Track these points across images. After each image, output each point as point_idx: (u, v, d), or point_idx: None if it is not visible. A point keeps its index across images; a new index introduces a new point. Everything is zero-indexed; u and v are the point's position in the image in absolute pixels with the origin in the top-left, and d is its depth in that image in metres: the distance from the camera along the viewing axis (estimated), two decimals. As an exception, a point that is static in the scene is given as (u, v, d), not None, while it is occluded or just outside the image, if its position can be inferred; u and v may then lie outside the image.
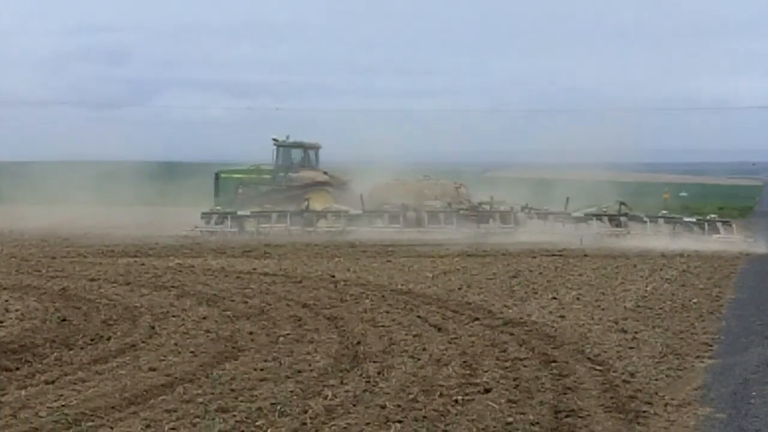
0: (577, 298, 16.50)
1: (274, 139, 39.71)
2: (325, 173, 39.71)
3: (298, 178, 39.07)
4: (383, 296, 16.52)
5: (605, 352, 11.66)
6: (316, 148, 40.78)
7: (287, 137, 40.02)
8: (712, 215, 34.54)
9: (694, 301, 16.34)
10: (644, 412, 8.87)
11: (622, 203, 34.34)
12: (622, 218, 32.90)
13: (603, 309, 15.29)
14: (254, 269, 21.02)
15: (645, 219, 33.00)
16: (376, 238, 30.72)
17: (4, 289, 17.01)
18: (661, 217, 33.59)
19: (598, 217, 33.37)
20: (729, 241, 30.03)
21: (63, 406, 8.81)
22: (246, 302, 15.66)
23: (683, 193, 64.87)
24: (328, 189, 38.69)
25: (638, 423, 8.52)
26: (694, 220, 33.18)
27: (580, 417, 8.60)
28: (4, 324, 13.28)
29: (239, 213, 34.28)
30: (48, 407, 8.76)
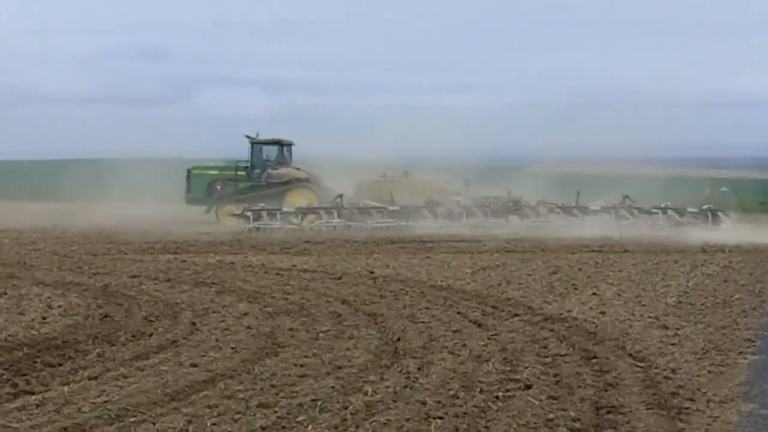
0: (618, 294, 16.41)
1: (248, 136, 39.70)
2: (299, 169, 39.76)
3: (278, 175, 39.05)
4: (422, 292, 16.51)
5: (646, 348, 11.58)
6: (290, 144, 40.82)
7: (257, 134, 39.99)
8: (709, 205, 36.02)
9: (736, 296, 16.20)
10: (686, 408, 8.80)
11: (626, 197, 35.72)
12: (624, 211, 34.69)
13: (644, 305, 15.19)
14: (294, 266, 21.07)
15: (654, 211, 34.50)
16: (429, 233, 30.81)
17: (47, 285, 17.15)
18: (665, 208, 34.82)
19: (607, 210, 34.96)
20: (733, 230, 31.74)
21: (105, 401, 8.87)
22: (286, 298, 15.70)
23: (724, 188, 64.19)
24: (309, 186, 38.76)
25: (680, 419, 8.45)
26: (696, 210, 34.69)
27: (621, 413, 8.55)
28: (47, 320, 13.39)
29: (285, 209, 34.38)
30: (91, 403, 8.82)
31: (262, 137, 40.01)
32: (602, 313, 14.28)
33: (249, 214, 33.38)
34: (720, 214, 34.46)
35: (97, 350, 11.29)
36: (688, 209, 34.96)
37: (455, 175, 39.14)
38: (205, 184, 39.45)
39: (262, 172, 39.31)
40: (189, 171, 40.22)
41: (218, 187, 39.15)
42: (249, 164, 39.62)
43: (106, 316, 13.75)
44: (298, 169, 39.91)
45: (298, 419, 8.26)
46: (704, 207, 35.44)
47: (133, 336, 12.25)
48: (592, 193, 38.04)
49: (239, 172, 39.61)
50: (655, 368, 10.45)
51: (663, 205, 35.32)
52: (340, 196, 35.51)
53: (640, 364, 10.66)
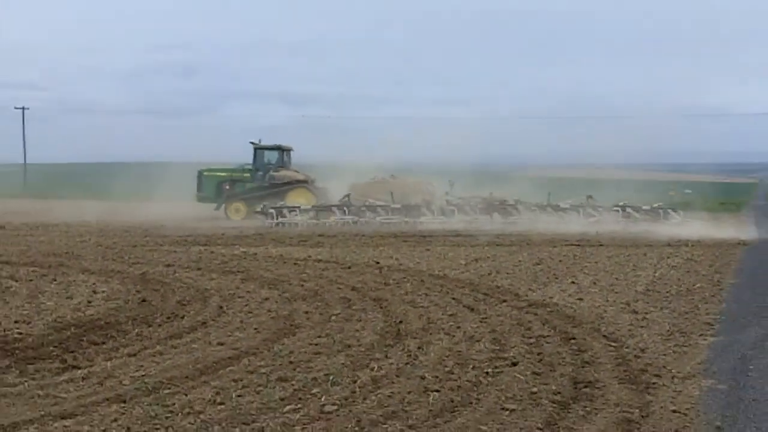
0: (594, 283, 16.38)
1: (252, 143, 40.03)
2: (297, 172, 40.06)
3: (280, 177, 39.41)
4: (422, 280, 16.50)
5: (618, 330, 11.57)
6: (289, 150, 41.16)
7: (260, 141, 40.25)
8: (659, 203, 36.69)
9: (698, 285, 16.17)
10: (653, 383, 8.80)
11: (589, 197, 36.59)
12: (590, 209, 35.52)
13: (617, 292, 15.17)
14: (309, 256, 21.06)
15: (615, 209, 35.30)
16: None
17: (92, 273, 17.18)
18: (624, 206, 35.59)
19: (574, 208, 35.78)
20: (681, 224, 33.11)
21: (143, 375, 8.89)
22: (302, 285, 15.69)
23: (687, 191, 64.10)
24: (307, 186, 38.99)
25: (648, 393, 8.45)
26: (649, 208, 35.48)
27: (596, 387, 8.55)
28: (92, 304, 13.42)
29: (302, 207, 34.40)
30: (130, 376, 8.85)
31: (265, 143, 40.35)
32: (580, 299, 14.26)
33: (272, 211, 33.41)
34: (670, 211, 35.35)
35: (136, 330, 11.31)
36: (643, 207, 35.69)
37: (442, 178, 39.24)
38: (214, 184, 39.82)
39: (264, 174, 39.62)
40: (200, 173, 40.59)
41: (227, 187, 39.42)
42: (253, 167, 39.84)
43: (144, 300, 13.76)
44: (296, 171, 40.19)
45: (313, 391, 8.28)
46: (655, 205, 35.97)
47: (168, 318, 12.26)
48: (566, 194, 39.23)
49: (245, 174, 39.91)
50: (626, 348, 10.44)
51: (621, 203, 35.95)
52: (348, 195, 35.60)
53: (613, 344, 10.65)
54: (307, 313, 12.79)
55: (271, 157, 40.48)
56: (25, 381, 8.68)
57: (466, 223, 33.23)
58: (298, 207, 34.27)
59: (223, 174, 40.34)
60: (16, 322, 11.73)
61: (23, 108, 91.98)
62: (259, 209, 34.70)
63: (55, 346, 10.21)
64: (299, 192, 38.53)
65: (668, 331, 11.61)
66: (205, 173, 40.35)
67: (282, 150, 40.67)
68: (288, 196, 38.12)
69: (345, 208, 34.43)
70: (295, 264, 19.34)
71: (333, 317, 12.42)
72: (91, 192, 56.19)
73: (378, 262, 19.64)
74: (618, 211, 35.27)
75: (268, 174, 39.50)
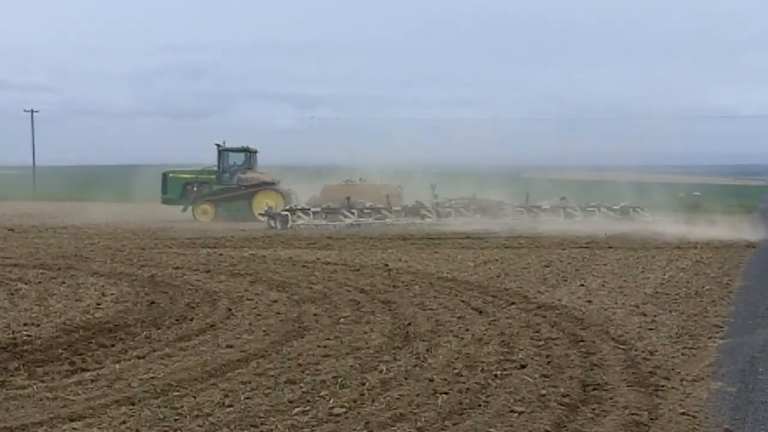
0: (602, 285, 16.36)
1: (217, 144, 40.22)
2: (264, 174, 40.33)
3: (248, 179, 39.67)
4: (431, 283, 16.49)
5: (627, 333, 11.56)
6: (255, 152, 41.47)
7: (224, 142, 40.44)
8: (625, 203, 38.67)
9: (707, 288, 16.13)
10: (662, 386, 8.79)
11: (562, 198, 38.56)
12: (570, 209, 37.23)
13: (625, 295, 15.15)
14: (318, 259, 21.06)
15: (589, 209, 37.35)
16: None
17: (101, 275, 17.21)
18: (599, 206, 37.67)
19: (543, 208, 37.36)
20: (647, 221, 35.12)
21: (152, 377, 8.92)
22: (311, 288, 15.70)
23: (696, 193, 64.02)
24: (275, 188, 39.25)
25: (657, 395, 8.44)
26: (618, 207, 37.45)
27: (605, 390, 8.54)
28: (101, 306, 13.45)
29: (312, 209, 34.48)
30: (139, 379, 8.87)
31: (230, 145, 40.64)
32: (589, 302, 14.25)
33: (287, 213, 33.42)
34: (639, 210, 37.44)
35: (145, 333, 11.33)
36: (613, 206, 37.55)
37: (425, 181, 40.19)
38: (180, 186, 40.00)
39: (230, 176, 39.87)
40: (164, 174, 40.95)
41: (194, 189, 39.71)
42: (218, 169, 40.03)
43: (152, 303, 13.79)
44: (264, 174, 40.47)
45: (321, 394, 8.29)
46: (623, 204, 38.05)
47: (177, 320, 12.28)
48: (577, 195, 40.86)
49: (210, 176, 40.11)
50: (635, 350, 10.43)
51: (594, 204, 37.99)
52: (348, 198, 35.84)
53: (621, 346, 10.64)
54: (315, 315, 12.80)
55: (237, 159, 40.86)
56: (34, 383, 8.71)
57: (442, 225, 33.79)
58: (309, 209, 34.34)
59: (187, 176, 40.67)
60: (25, 324, 11.77)
61: (32, 111, 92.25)
62: (262, 212, 35.00)
63: (64, 349, 10.24)
64: (267, 194, 38.91)
65: (677, 333, 11.59)
66: (171, 175, 40.72)
67: (248, 152, 41.08)
68: (255, 198, 38.68)
69: (354, 211, 34.63)
70: (303, 266, 19.34)
71: (342, 320, 12.43)
72: (96, 194, 56.21)
73: (387, 265, 19.64)
74: (594, 210, 37.21)
75: (235, 176, 39.83)
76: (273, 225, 33.11)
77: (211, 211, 38.84)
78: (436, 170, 45.62)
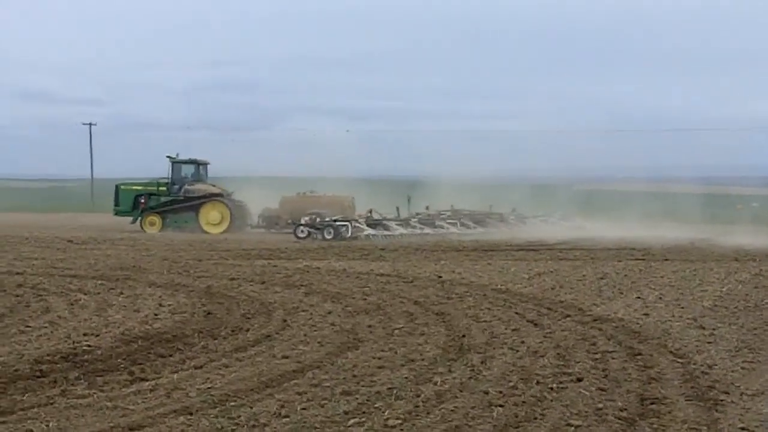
0: (660, 298, 16.19)
1: (169, 156, 40.58)
2: (214, 186, 40.54)
3: (194, 190, 40.02)
4: (485, 295, 16.45)
5: (686, 346, 11.41)
6: (206, 164, 41.76)
7: (177, 155, 40.73)
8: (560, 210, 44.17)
9: (766, 301, 15.89)
10: (722, 400, 8.67)
11: (513, 209, 42.73)
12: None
13: (683, 308, 14.96)
14: (371, 270, 21.11)
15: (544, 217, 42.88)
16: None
17: (159, 286, 17.41)
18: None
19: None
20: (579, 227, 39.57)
21: (209, 387, 8.98)
22: (365, 299, 15.74)
23: (754, 204, 63.15)
24: (222, 200, 39.43)
25: (716, 410, 8.32)
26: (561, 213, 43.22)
27: (663, 404, 8.44)
28: (158, 317, 13.59)
29: (355, 224, 34.65)
30: (197, 389, 8.95)
31: (182, 157, 40.99)
32: (645, 314, 14.10)
33: (332, 230, 33.55)
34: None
35: (202, 343, 11.43)
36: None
37: (402, 193, 42.27)
38: (131, 198, 40.53)
39: (180, 188, 40.12)
40: (117, 187, 41.83)
41: (142, 201, 40.22)
42: (170, 181, 40.36)
43: (209, 314, 13.91)
44: (213, 185, 40.75)
45: (376, 405, 8.29)
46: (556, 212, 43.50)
47: (233, 331, 12.37)
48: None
49: (161, 188, 40.57)
50: (694, 364, 10.30)
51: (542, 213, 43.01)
52: (371, 210, 36.22)
53: (680, 360, 10.51)
54: (370, 326, 12.82)
55: (188, 170, 41.30)
56: (94, 393, 8.82)
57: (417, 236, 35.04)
58: (350, 222, 34.51)
59: (138, 188, 41.30)
60: (85, 334, 11.93)
61: (90, 124, 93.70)
62: (289, 221, 35.76)
63: (123, 359, 10.36)
64: (213, 205, 39.49)
65: (736, 347, 11.42)
66: (122, 187, 41.62)
67: (197, 164, 41.70)
68: (202, 209, 39.20)
69: (399, 222, 35.61)
70: (357, 278, 19.40)
71: (396, 331, 12.44)
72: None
73: (440, 276, 19.63)
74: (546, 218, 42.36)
75: (182, 188, 40.11)
76: (318, 237, 33.24)
77: (158, 223, 39.61)
78: (491, 182, 46.00)
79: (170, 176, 40.77)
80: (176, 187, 40.47)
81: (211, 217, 38.83)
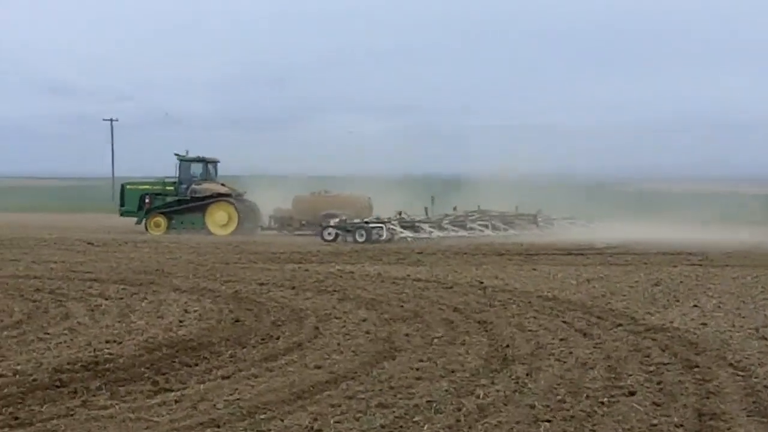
0: (718, 306, 16.03)
1: (177, 155, 40.54)
2: (223, 185, 40.48)
3: (201, 190, 39.94)
4: (529, 302, 16.38)
5: (747, 358, 11.28)
6: (215, 162, 41.64)
7: (186, 152, 40.71)
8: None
9: (835, 310, 15.68)
10: (787, 417, 8.56)
11: (516, 206, 42.58)
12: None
13: (744, 317, 14.81)
14: (408, 275, 21.11)
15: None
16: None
17: (183, 292, 17.51)
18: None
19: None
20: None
21: (238, 399, 9.01)
22: (401, 306, 15.73)
23: None
24: (229, 200, 39.36)
25: (780, 427, 8.22)
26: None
27: (722, 420, 8.35)
28: (184, 324, 13.67)
29: (390, 226, 34.70)
30: (225, 400, 8.98)
31: (191, 155, 41.05)
32: (703, 324, 13.97)
33: (363, 232, 33.55)
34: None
35: (230, 352, 11.47)
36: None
37: (423, 192, 42.86)
38: (137, 198, 40.62)
39: (187, 187, 40.13)
40: (123, 186, 42.06)
41: (147, 201, 40.32)
42: (177, 180, 40.42)
43: (237, 321, 13.96)
44: (222, 185, 40.73)
45: (415, 419, 8.27)
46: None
47: (262, 339, 12.41)
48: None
49: (168, 187, 40.63)
50: (755, 378, 10.18)
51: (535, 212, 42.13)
52: (400, 212, 36.26)
53: (740, 373, 10.39)
54: (407, 335, 12.80)
55: (196, 169, 41.34)
56: (117, 404, 8.87)
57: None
58: (384, 223, 34.51)
59: (145, 187, 41.55)
60: (107, 342, 12.02)
61: (111, 120, 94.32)
62: (303, 223, 36.14)
63: (147, 368, 10.42)
64: (220, 206, 39.51)
65: (802, 359, 11.28)
66: (128, 187, 41.90)
67: (206, 162, 41.53)
68: (208, 210, 39.20)
69: (432, 224, 35.84)
70: (393, 283, 19.41)
71: (435, 340, 12.41)
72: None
73: (481, 282, 19.58)
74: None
75: (189, 187, 40.16)
76: (349, 239, 33.30)
77: (163, 224, 39.72)
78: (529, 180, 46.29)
79: (178, 175, 41.02)
80: (184, 186, 40.69)
81: (218, 217, 39.02)
